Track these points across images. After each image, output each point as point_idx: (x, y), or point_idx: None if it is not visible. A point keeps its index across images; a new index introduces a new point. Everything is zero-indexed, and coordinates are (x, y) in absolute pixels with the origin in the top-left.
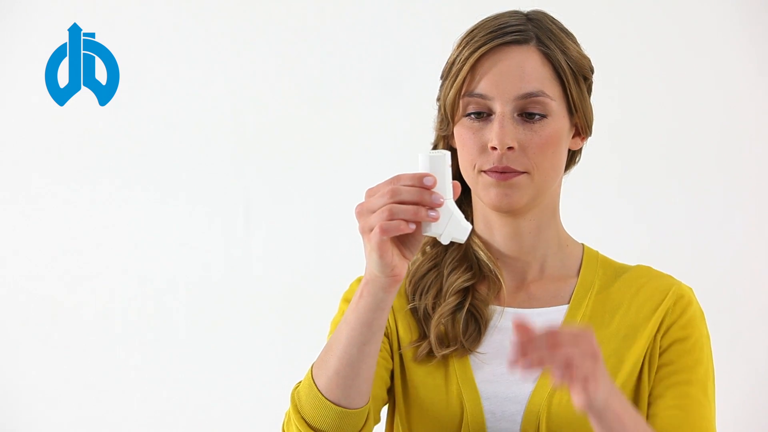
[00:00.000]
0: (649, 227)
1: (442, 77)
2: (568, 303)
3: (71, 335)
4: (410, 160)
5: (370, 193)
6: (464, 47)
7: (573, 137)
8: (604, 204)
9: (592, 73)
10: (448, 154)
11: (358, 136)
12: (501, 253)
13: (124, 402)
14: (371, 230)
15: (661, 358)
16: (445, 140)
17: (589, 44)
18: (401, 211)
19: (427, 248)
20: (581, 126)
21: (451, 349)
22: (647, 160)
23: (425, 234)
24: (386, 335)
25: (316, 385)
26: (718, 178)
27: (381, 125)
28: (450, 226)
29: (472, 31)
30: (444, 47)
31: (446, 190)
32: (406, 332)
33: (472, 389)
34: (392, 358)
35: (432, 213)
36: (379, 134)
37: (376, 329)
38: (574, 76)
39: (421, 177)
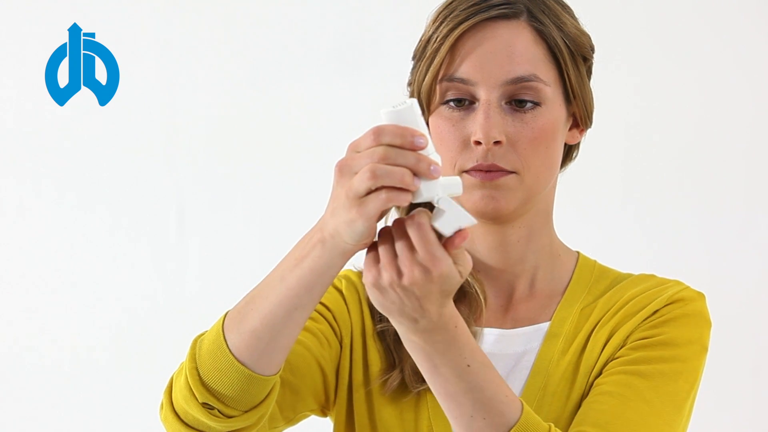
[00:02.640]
0: (658, 236)
1: (414, 57)
2: (550, 319)
3: None
4: None
5: (354, 147)
6: (442, 22)
7: (570, 129)
8: (605, 208)
9: (593, 52)
10: (415, 102)
11: (312, 127)
12: (483, 265)
13: None
14: (364, 194)
15: (615, 355)
16: None
17: (588, 20)
18: (386, 174)
19: None
20: (580, 116)
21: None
22: (657, 159)
23: (416, 201)
24: (333, 330)
25: (225, 340)
26: (740, 183)
27: (339, 113)
28: (442, 185)
29: (450, 2)
30: (416, 20)
31: (429, 145)
32: (376, 359)
33: (446, 428)
34: (336, 372)
35: (416, 181)
36: (337, 124)
37: (315, 295)
38: (572, 56)
39: (411, 135)
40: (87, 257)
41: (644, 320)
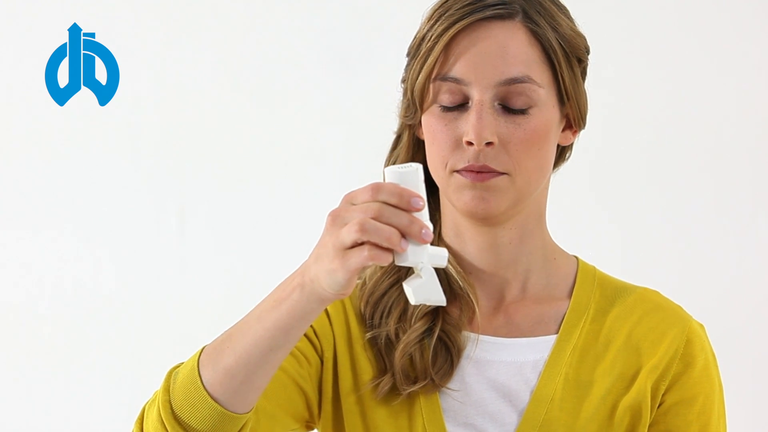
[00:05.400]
0: (628, 236)
1: (408, 55)
2: (557, 332)
3: None
4: (372, 156)
5: (349, 199)
6: (436, 21)
7: (563, 130)
8: (577, 207)
9: (588, 53)
10: (419, 167)
11: (310, 128)
12: (474, 267)
13: None
14: (350, 247)
15: (660, 417)
16: (410, 130)
17: (580, 22)
18: (374, 231)
19: None
20: (573, 117)
21: (419, 385)
22: (630, 159)
23: (400, 264)
24: (314, 346)
25: (200, 375)
26: (712, 183)
27: (340, 115)
28: (429, 253)
29: (446, 1)
30: (413, 18)
31: (424, 211)
32: (366, 367)
33: (440, 430)
34: (318, 387)
35: (404, 243)
36: (338, 126)
37: (292, 338)
38: (566, 58)
39: (409, 196)
40: (86, 257)
41: (672, 363)
